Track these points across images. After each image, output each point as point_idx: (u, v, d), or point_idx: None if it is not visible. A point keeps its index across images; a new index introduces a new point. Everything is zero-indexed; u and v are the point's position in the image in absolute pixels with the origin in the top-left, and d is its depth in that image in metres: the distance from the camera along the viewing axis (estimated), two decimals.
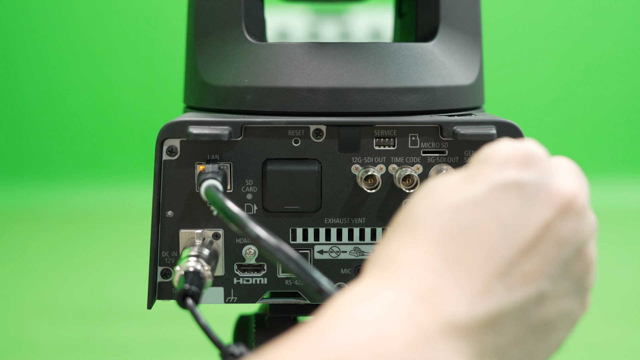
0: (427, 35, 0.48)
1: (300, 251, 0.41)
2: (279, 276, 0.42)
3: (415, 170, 0.41)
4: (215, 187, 0.37)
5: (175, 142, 0.40)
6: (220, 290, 0.42)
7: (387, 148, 0.41)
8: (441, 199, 0.28)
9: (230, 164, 0.41)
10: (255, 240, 0.33)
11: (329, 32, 1.56)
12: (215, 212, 0.41)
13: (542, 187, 0.28)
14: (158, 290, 0.41)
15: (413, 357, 0.24)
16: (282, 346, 0.24)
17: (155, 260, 0.41)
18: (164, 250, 0.41)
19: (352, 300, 0.25)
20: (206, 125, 0.40)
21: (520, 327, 0.27)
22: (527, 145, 0.30)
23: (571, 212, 0.29)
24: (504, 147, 0.30)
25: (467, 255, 0.27)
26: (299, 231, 0.42)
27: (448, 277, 0.26)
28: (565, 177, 0.30)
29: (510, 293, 0.27)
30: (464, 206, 0.28)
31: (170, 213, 0.41)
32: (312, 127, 0.41)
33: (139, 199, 1.62)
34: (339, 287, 0.42)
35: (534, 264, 0.27)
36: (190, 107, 0.48)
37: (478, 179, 0.28)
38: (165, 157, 0.40)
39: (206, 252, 0.39)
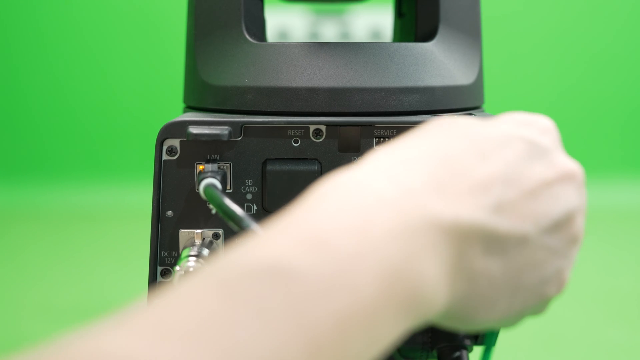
0: (427, 35, 0.48)
1: None
2: None
3: None
4: (214, 186, 0.37)
5: (175, 142, 0.41)
6: None
7: None
8: (456, 125, 0.31)
9: (230, 164, 0.41)
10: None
11: (329, 32, 1.56)
12: (214, 211, 0.41)
13: (551, 154, 0.31)
14: (158, 290, 0.41)
15: (394, 245, 0.24)
16: (272, 226, 0.25)
17: (155, 260, 0.41)
18: (163, 250, 0.41)
19: (344, 185, 0.26)
20: (206, 125, 0.40)
21: (495, 260, 0.28)
22: (547, 120, 0.33)
23: (570, 180, 0.31)
24: (525, 114, 0.33)
25: (466, 172, 0.28)
26: None
27: (444, 182, 0.27)
28: (567, 155, 0.32)
29: (497, 218, 0.28)
30: (477, 136, 0.30)
31: (170, 213, 0.41)
32: (312, 127, 0.41)
33: (139, 199, 1.62)
34: None
35: (528, 208, 0.29)
36: (190, 107, 0.48)
37: (497, 125, 0.31)
38: (165, 157, 0.40)
39: (206, 252, 0.39)
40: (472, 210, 0.27)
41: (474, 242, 0.27)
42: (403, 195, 0.26)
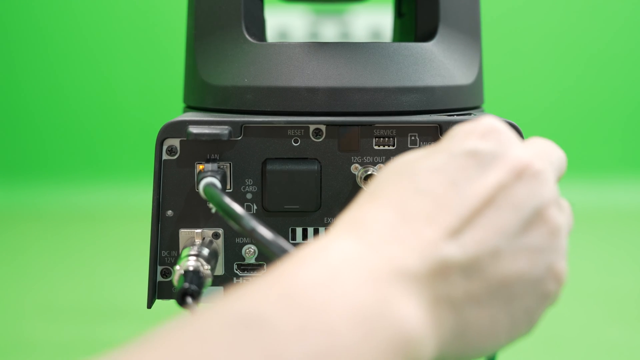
0: (427, 35, 0.48)
1: None
2: None
3: None
4: (213, 184, 0.37)
5: (175, 142, 0.41)
6: (220, 290, 0.42)
7: (386, 148, 0.41)
8: (403, 167, 0.31)
9: (230, 164, 0.41)
10: (251, 232, 0.33)
11: (329, 32, 1.56)
12: (214, 210, 0.41)
13: (498, 154, 0.30)
14: (158, 289, 0.42)
15: (363, 295, 0.25)
16: (248, 286, 0.26)
17: (155, 259, 0.41)
18: (163, 250, 0.41)
19: (311, 250, 0.27)
20: (206, 125, 0.40)
21: (474, 283, 0.28)
22: (488, 120, 0.32)
23: (525, 175, 0.30)
24: (466, 124, 0.32)
25: (420, 212, 0.28)
26: (299, 231, 0.42)
27: (402, 230, 0.28)
28: (523, 147, 0.31)
29: (463, 246, 0.28)
30: (422, 171, 0.30)
31: (170, 212, 0.41)
32: (312, 127, 0.41)
33: (139, 199, 1.62)
34: None
35: (488, 222, 0.28)
36: (190, 107, 0.48)
37: (439, 150, 0.31)
38: (165, 156, 0.41)
39: (206, 251, 0.39)
40: (433, 248, 0.27)
41: (446, 275, 0.27)
42: (366, 250, 0.27)
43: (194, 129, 0.39)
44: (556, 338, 0.98)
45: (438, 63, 0.45)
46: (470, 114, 0.44)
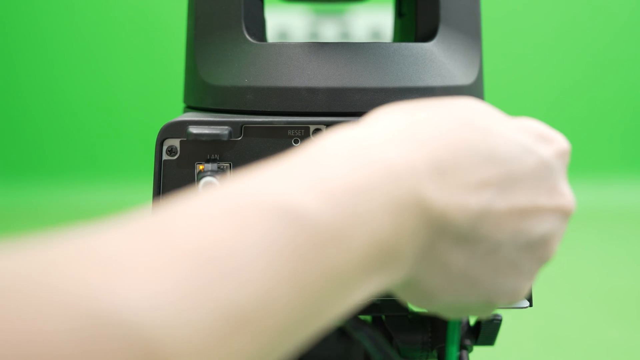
0: (427, 35, 0.48)
1: None
2: None
3: None
4: (213, 185, 0.37)
5: (175, 142, 0.41)
6: None
7: None
8: (483, 116, 0.30)
9: (230, 164, 0.41)
10: None
11: (329, 32, 1.56)
12: None
13: (556, 180, 0.31)
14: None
15: (388, 218, 0.25)
16: (273, 166, 0.25)
17: None
18: None
19: (355, 142, 0.27)
20: (206, 125, 0.40)
21: (461, 253, 0.28)
22: (568, 145, 0.33)
23: (561, 213, 0.31)
24: (552, 130, 0.33)
25: (470, 167, 0.28)
26: None
27: (446, 170, 0.28)
28: (569, 191, 0.32)
29: (480, 222, 0.28)
30: (496, 135, 0.29)
31: None
32: (312, 127, 0.41)
33: (139, 199, 1.63)
34: None
35: (510, 223, 0.29)
36: (190, 107, 0.48)
37: (522, 131, 0.31)
38: (165, 157, 0.40)
39: None
40: (460, 206, 0.28)
41: (450, 235, 0.28)
42: (407, 171, 0.27)
43: (194, 129, 0.39)
44: (556, 338, 0.98)
45: (438, 63, 0.45)
46: None
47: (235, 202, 0.23)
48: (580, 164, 1.81)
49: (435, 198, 0.27)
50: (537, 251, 0.30)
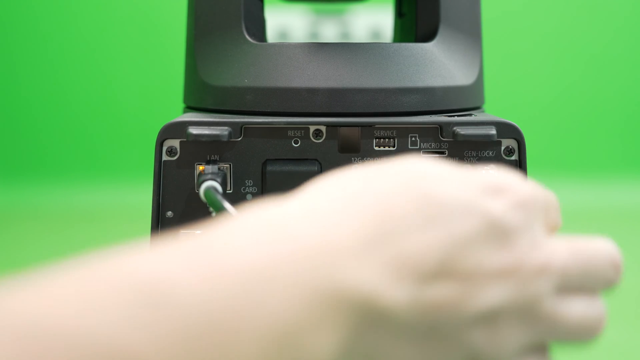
0: (427, 35, 0.48)
1: None
2: None
3: None
4: (214, 188, 0.37)
5: (175, 143, 0.40)
6: None
7: (387, 148, 0.41)
8: (415, 175, 0.26)
9: (230, 165, 0.41)
10: None
11: (329, 32, 1.56)
12: (214, 214, 0.41)
13: (516, 238, 0.26)
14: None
15: (287, 305, 0.21)
16: (173, 245, 0.22)
17: None
18: None
19: (260, 220, 0.24)
20: (206, 126, 0.40)
21: (398, 342, 0.24)
22: (533, 189, 0.28)
23: (544, 275, 0.27)
24: (510, 174, 0.28)
25: (400, 237, 0.24)
26: None
27: (369, 243, 0.23)
28: (550, 244, 0.27)
29: (415, 301, 0.24)
30: (432, 194, 0.25)
31: (170, 214, 0.41)
32: (312, 128, 0.41)
33: (139, 199, 1.62)
34: None
35: (454, 297, 0.24)
36: (190, 108, 0.48)
37: (467, 185, 0.26)
38: (165, 157, 0.40)
39: None
40: (393, 288, 0.23)
41: (386, 324, 0.23)
42: (321, 251, 0.22)
43: (193, 130, 0.39)
44: None
45: (438, 63, 0.45)
46: (470, 115, 0.44)
47: (102, 280, 0.20)
48: (580, 164, 1.81)
49: (360, 281, 0.22)
50: (487, 329, 0.25)
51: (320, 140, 0.41)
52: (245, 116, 0.42)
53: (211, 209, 0.40)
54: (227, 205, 0.35)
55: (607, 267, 0.30)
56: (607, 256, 0.31)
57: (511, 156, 0.41)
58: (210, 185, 0.37)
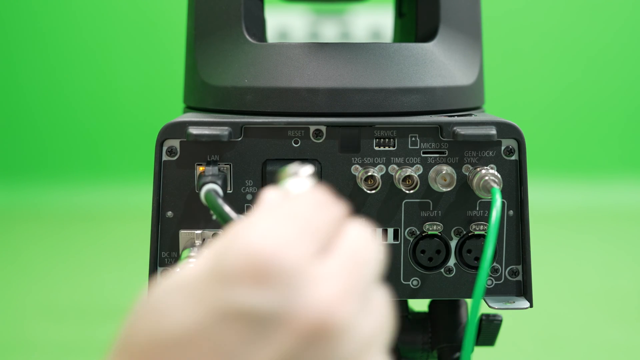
0: (427, 35, 0.48)
1: None
2: None
3: (415, 170, 0.41)
4: (215, 192, 0.37)
5: (175, 143, 0.40)
6: None
7: (387, 148, 0.41)
8: (162, 324, 0.22)
9: (230, 165, 0.41)
10: None
11: (329, 32, 1.56)
12: (214, 217, 0.41)
13: (281, 311, 0.21)
14: None
15: None
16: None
17: (155, 260, 0.41)
18: (163, 251, 0.41)
19: None
20: (206, 126, 0.40)
21: None
22: (268, 250, 0.22)
23: (322, 338, 0.21)
24: (238, 252, 0.22)
25: None
26: None
27: None
28: (321, 284, 0.22)
29: None
30: (186, 339, 0.21)
31: (170, 213, 0.41)
32: (312, 128, 0.41)
33: (139, 199, 1.62)
34: None
35: None
36: (190, 108, 0.48)
37: (204, 299, 0.22)
38: (165, 157, 0.40)
39: None
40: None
41: None
42: None
43: (193, 130, 0.39)
44: (556, 338, 0.98)
45: (438, 63, 0.45)
46: (470, 115, 0.44)
47: None
48: (580, 164, 1.81)
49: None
50: None
51: (321, 140, 0.41)
52: (246, 116, 0.42)
53: (211, 212, 0.40)
54: (227, 209, 0.35)
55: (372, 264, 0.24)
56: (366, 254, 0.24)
57: (511, 156, 0.41)
58: (210, 188, 0.37)
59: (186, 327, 0.21)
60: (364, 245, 0.24)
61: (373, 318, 0.23)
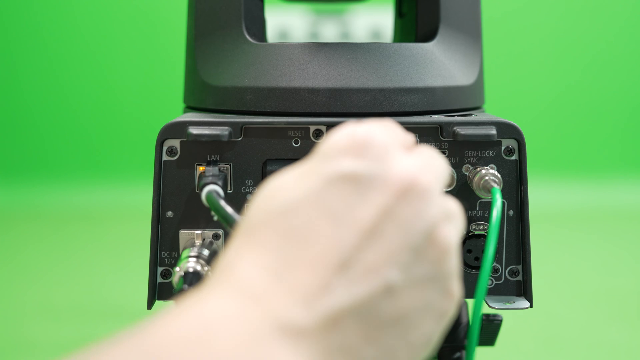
0: (428, 35, 0.48)
1: None
2: None
3: None
4: (216, 192, 0.37)
5: (175, 143, 0.40)
6: None
7: None
8: (276, 199, 0.27)
9: (230, 165, 0.41)
10: None
11: (329, 32, 1.56)
12: (215, 218, 0.40)
13: (377, 174, 0.26)
14: (158, 290, 0.41)
15: (240, 356, 0.22)
16: (109, 345, 0.23)
17: (155, 260, 0.41)
18: (164, 251, 0.41)
19: (184, 305, 0.24)
20: (206, 126, 0.40)
21: (369, 324, 0.25)
22: (363, 132, 0.28)
23: (410, 195, 0.26)
24: (339, 136, 0.28)
25: (302, 255, 0.25)
26: None
27: (283, 278, 0.25)
28: (404, 160, 0.28)
29: (353, 288, 0.25)
30: (297, 205, 0.26)
31: (170, 213, 0.41)
32: (312, 128, 0.41)
33: (139, 199, 1.62)
34: None
35: (377, 254, 0.25)
36: (190, 108, 0.48)
37: (312, 173, 0.27)
38: (165, 157, 0.40)
39: (206, 252, 0.39)
40: (319, 296, 0.24)
41: (338, 323, 0.24)
42: (245, 305, 0.24)
43: (194, 130, 0.39)
44: (556, 338, 0.98)
45: (439, 63, 0.45)
46: (470, 115, 0.44)
47: None
48: (580, 164, 1.81)
49: (289, 314, 0.24)
50: (429, 251, 0.26)
51: (321, 140, 0.41)
52: (246, 116, 0.42)
53: (213, 213, 0.40)
54: (229, 209, 0.35)
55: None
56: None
57: (511, 156, 0.41)
58: (211, 189, 0.37)
59: (297, 195, 0.26)
60: (436, 157, 0.29)
61: (447, 201, 0.28)
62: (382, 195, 0.26)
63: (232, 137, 0.40)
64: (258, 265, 0.25)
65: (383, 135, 0.28)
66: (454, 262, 0.27)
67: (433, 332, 0.27)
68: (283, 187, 0.27)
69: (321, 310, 0.24)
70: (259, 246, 0.26)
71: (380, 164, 0.27)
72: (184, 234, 0.41)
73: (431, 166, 0.28)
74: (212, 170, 0.39)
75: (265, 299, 0.24)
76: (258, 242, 0.26)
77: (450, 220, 0.28)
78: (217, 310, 0.23)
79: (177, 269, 0.38)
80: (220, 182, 0.38)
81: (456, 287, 0.28)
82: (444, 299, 0.27)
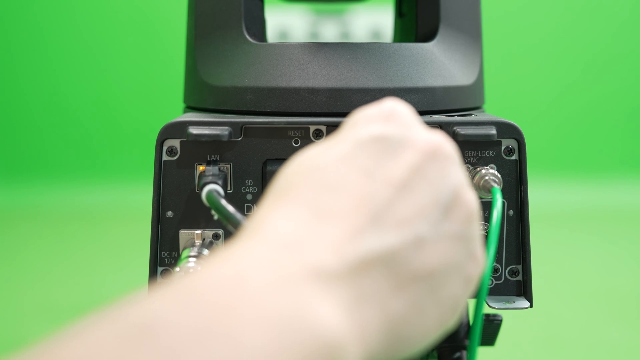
0: (428, 35, 0.48)
1: None
2: None
3: None
4: (217, 192, 0.37)
5: (175, 143, 0.40)
6: None
7: None
8: (308, 161, 0.28)
9: (230, 165, 0.41)
10: None
11: (329, 32, 1.56)
12: (216, 217, 0.41)
13: (406, 137, 0.29)
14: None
15: (273, 299, 0.22)
16: (147, 293, 0.23)
17: (155, 260, 0.41)
18: (164, 251, 0.41)
19: (216, 256, 0.25)
20: (206, 126, 0.40)
21: (399, 274, 0.26)
22: (389, 104, 0.30)
23: (439, 156, 0.28)
24: (367, 108, 0.30)
25: (335, 206, 0.26)
26: None
27: (316, 227, 0.26)
28: (430, 131, 0.30)
29: (384, 236, 0.26)
30: (330, 163, 0.28)
31: (170, 213, 0.41)
32: (312, 128, 0.41)
33: (139, 199, 1.62)
34: None
35: (408, 208, 0.27)
36: (190, 108, 0.48)
37: (343, 140, 0.29)
38: (165, 157, 0.40)
39: (206, 252, 0.39)
40: (351, 243, 0.25)
41: (368, 270, 0.25)
42: (278, 253, 0.24)
43: (194, 130, 0.39)
44: (556, 338, 0.98)
45: (439, 63, 0.45)
46: (470, 115, 0.44)
47: (102, 331, 0.21)
48: (580, 164, 1.81)
49: (322, 258, 0.24)
50: (456, 210, 0.28)
51: (321, 140, 0.41)
52: (246, 116, 0.42)
53: (213, 212, 0.40)
54: (230, 209, 0.35)
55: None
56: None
57: (511, 156, 0.41)
58: (212, 188, 0.37)
59: (330, 156, 0.28)
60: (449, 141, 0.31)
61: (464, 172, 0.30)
62: (412, 154, 0.28)
63: (232, 137, 0.40)
64: (290, 218, 0.26)
65: (407, 110, 0.30)
66: (478, 227, 0.29)
67: (460, 295, 0.28)
68: (314, 153, 0.29)
69: (352, 254, 0.25)
70: (292, 201, 0.27)
71: (407, 129, 0.29)
72: (184, 233, 0.41)
73: (450, 141, 0.30)
74: (212, 170, 0.39)
75: (297, 247, 0.25)
76: (290, 198, 0.27)
77: (469, 187, 0.30)
78: (250, 258, 0.24)
79: (177, 268, 0.38)
80: (220, 182, 0.38)
81: (480, 252, 0.29)
82: (470, 261, 0.28)
